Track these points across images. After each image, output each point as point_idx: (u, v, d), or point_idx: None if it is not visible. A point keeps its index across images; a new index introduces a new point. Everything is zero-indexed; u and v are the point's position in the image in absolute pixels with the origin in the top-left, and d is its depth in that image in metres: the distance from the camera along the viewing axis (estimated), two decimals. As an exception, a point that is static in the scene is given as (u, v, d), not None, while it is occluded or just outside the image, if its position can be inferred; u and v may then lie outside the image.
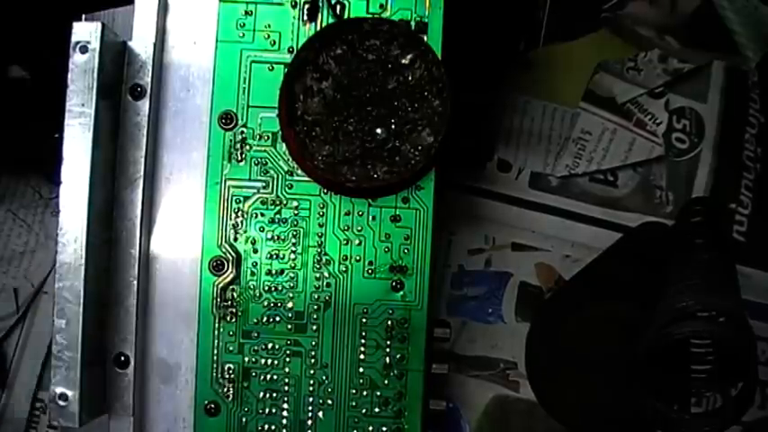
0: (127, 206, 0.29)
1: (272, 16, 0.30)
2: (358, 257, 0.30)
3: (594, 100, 0.43)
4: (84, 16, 0.29)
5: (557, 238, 0.42)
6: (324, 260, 0.30)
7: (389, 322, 0.30)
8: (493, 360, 0.41)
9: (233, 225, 0.30)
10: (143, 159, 0.29)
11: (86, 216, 0.27)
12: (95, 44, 0.27)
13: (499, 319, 0.42)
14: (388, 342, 0.30)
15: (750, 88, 0.44)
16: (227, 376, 0.29)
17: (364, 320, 0.30)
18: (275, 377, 0.29)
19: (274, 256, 0.30)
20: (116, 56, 0.28)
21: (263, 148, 0.30)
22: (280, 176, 0.30)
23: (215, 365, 0.29)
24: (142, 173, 0.29)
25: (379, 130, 0.28)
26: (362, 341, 0.30)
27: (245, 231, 0.30)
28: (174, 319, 0.30)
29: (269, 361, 0.29)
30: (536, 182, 0.43)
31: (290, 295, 0.30)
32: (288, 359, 0.29)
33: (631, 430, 0.39)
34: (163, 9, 0.30)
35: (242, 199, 0.30)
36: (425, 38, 0.29)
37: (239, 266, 0.30)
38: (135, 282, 0.29)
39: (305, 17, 0.30)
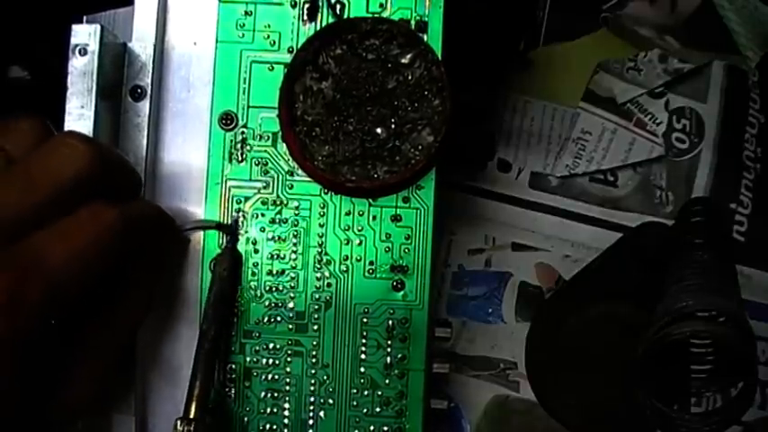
0: (127, 207, 0.29)
1: (272, 16, 0.30)
2: (358, 257, 0.30)
3: (594, 100, 0.43)
4: (85, 18, 0.29)
5: (557, 238, 0.42)
6: (324, 260, 0.30)
7: (390, 322, 0.30)
8: (493, 360, 0.42)
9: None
10: (143, 161, 0.29)
11: (87, 216, 0.27)
12: (94, 46, 0.27)
13: (499, 319, 0.42)
14: (389, 342, 0.30)
15: (750, 88, 0.44)
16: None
17: (365, 320, 0.30)
18: (276, 377, 0.30)
19: (275, 257, 0.30)
20: (116, 57, 0.28)
21: (263, 149, 0.30)
22: (280, 177, 0.30)
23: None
24: (143, 174, 0.29)
25: (379, 130, 0.28)
26: (363, 341, 0.30)
27: (246, 232, 0.30)
28: (176, 319, 0.30)
29: (270, 361, 0.30)
30: (536, 182, 0.43)
31: (291, 295, 0.30)
32: (289, 359, 0.30)
33: (631, 430, 0.39)
34: (163, 10, 0.30)
35: (243, 199, 0.30)
36: (425, 37, 0.29)
37: (240, 267, 0.30)
38: (136, 282, 0.29)
39: (304, 17, 0.30)
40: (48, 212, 0.23)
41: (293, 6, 0.30)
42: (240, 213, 0.30)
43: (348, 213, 0.30)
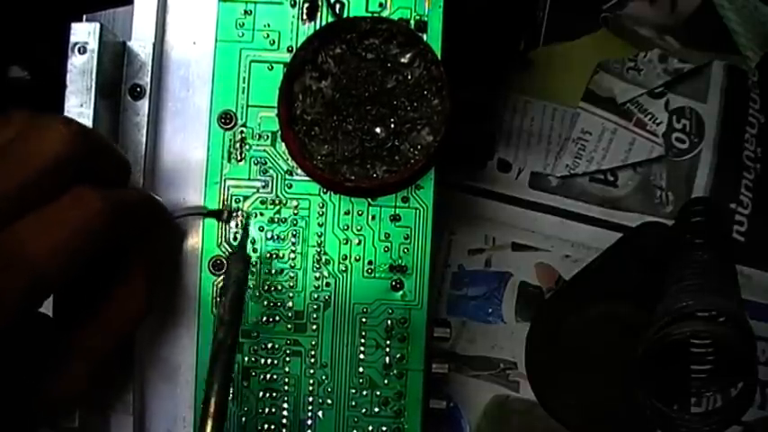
0: (126, 206, 0.29)
1: (272, 15, 0.30)
2: (357, 257, 0.30)
3: (594, 100, 0.43)
4: (84, 17, 0.29)
5: (557, 238, 0.42)
6: (323, 260, 0.30)
7: (389, 322, 0.30)
8: (493, 360, 0.41)
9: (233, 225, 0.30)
10: (142, 159, 0.29)
11: (86, 215, 0.27)
12: (94, 45, 0.27)
13: (499, 319, 0.42)
14: (388, 342, 0.30)
15: (750, 88, 0.44)
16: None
17: (364, 320, 0.30)
18: (275, 377, 0.29)
19: (274, 256, 0.30)
20: (115, 56, 0.28)
21: (262, 148, 0.30)
22: (279, 176, 0.30)
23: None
24: (142, 173, 0.29)
25: (378, 130, 0.28)
26: (362, 341, 0.30)
27: (245, 231, 0.30)
28: (175, 319, 0.30)
29: (269, 360, 0.29)
30: (536, 182, 0.43)
31: (290, 295, 0.30)
32: (287, 359, 0.29)
33: (631, 430, 0.39)
34: (162, 9, 0.30)
35: (241, 199, 0.30)
36: (425, 37, 0.29)
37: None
38: (135, 281, 0.29)
39: (304, 16, 0.30)
40: (30, 198, 0.22)
41: (293, 6, 0.30)
42: (239, 212, 0.30)
43: (347, 213, 0.30)
